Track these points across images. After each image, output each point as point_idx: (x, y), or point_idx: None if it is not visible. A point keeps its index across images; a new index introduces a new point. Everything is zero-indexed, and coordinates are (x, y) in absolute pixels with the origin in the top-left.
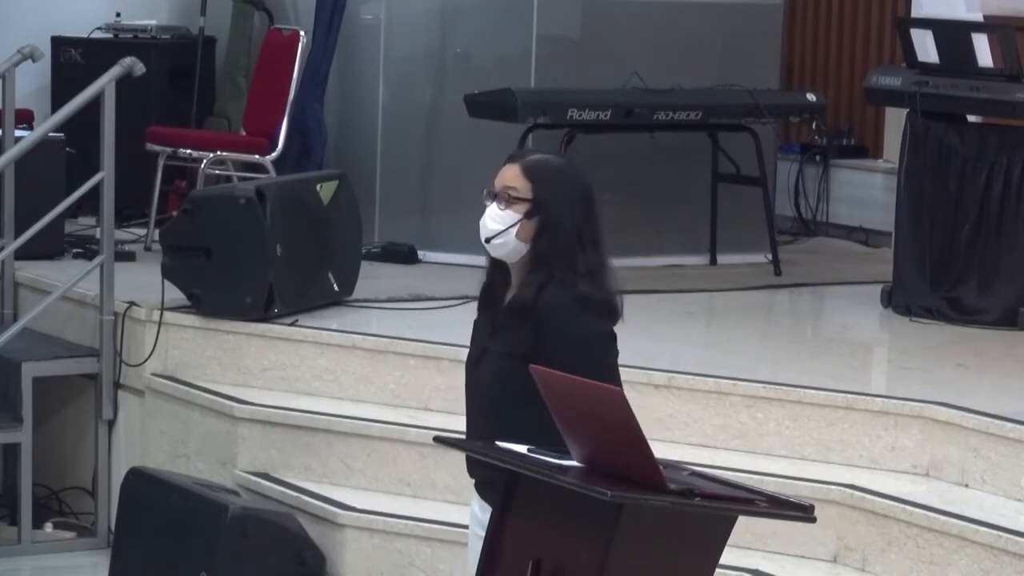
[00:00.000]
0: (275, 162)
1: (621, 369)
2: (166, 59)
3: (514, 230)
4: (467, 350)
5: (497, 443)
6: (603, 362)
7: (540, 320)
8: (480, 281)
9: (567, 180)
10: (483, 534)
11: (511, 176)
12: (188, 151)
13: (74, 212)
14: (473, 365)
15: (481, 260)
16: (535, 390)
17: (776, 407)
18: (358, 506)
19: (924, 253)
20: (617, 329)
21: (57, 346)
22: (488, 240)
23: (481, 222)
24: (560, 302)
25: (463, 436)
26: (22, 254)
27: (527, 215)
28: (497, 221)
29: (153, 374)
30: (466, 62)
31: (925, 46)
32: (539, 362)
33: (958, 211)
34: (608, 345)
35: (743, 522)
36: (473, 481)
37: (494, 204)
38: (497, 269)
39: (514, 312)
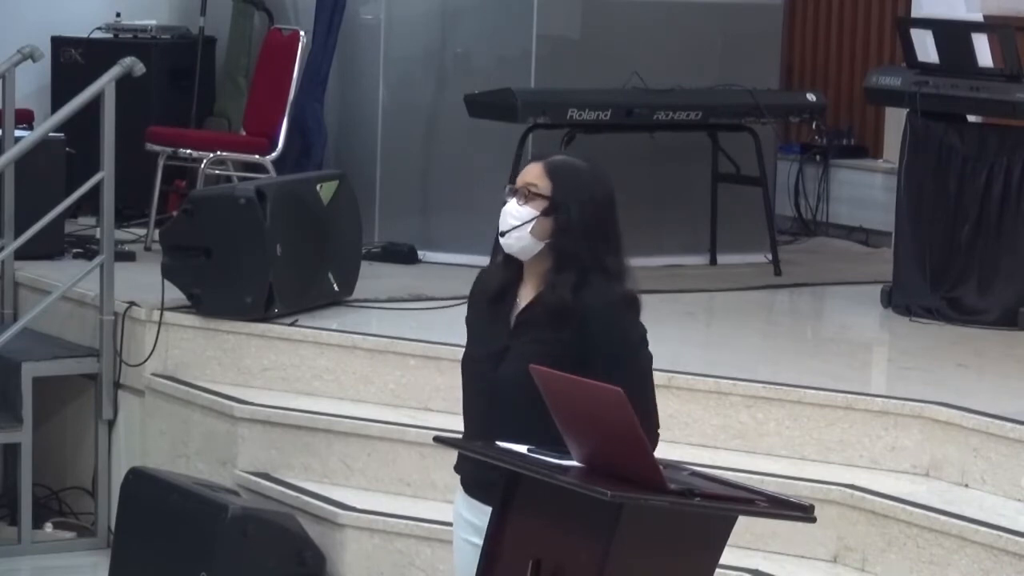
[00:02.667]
0: (275, 162)
1: None
2: (166, 59)
3: (529, 226)
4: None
5: (497, 443)
6: (647, 361)
7: (586, 321)
8: (483, 276)
9: (588, 182)
10: (468, 535)
11: (534, 174)
12: (188, 151)
13: (74, 212)
14: (490, 363)
15: (481, 260)
16: None
17: (776, 407)
18: (358, 506)
19: (924, 253)
20: None
21: (57, 346)
22: (504, 233)
23: (501, 214)
24: (607, 303)
25: (463, 436)
26: (22, 254)
27: (544, 212)
28: (515, 216)
29: (153, 374)
30: (466, 62)
31: (925, 46)
32: (582, 361)
33: (958, 211)
34: (646, 346)
35: (743, 522)
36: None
37: (514, 199)
38: (509, 266)
39: (551, 312)
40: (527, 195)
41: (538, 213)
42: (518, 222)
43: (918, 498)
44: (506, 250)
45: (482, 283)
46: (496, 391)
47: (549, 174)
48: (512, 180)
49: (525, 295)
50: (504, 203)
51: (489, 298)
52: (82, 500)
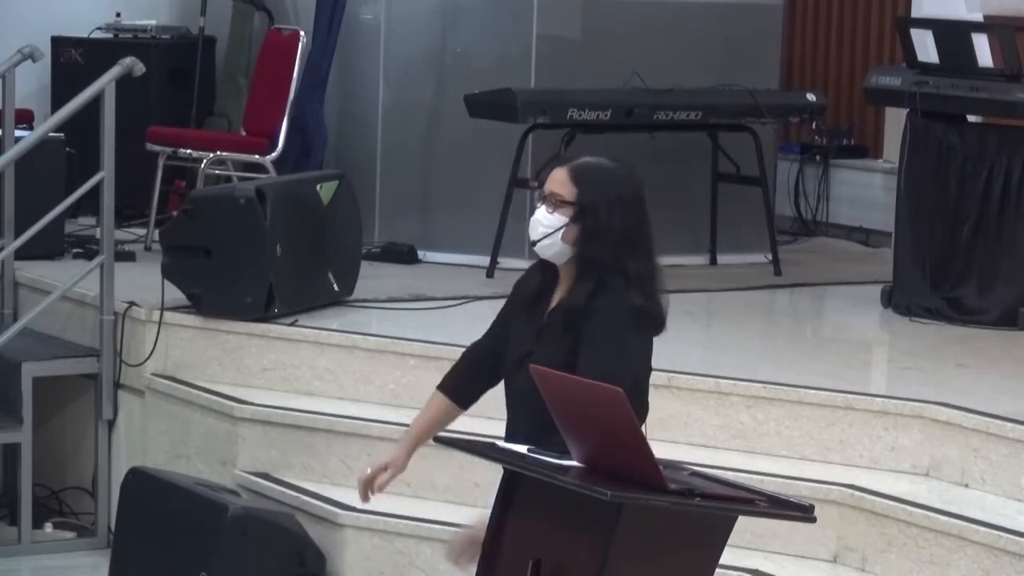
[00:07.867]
0: (275, 162)
1: None
2: (166, 59)
3: (560, 233)
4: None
5: (497, 443)
6: (629, 358)
7: (587, 324)
8: (528, 278)
9: (614, 183)
10: None
11: (558, 180)
12: (188, 151)
13: (74, 212)
14: (515, 367)
15: (481, 260)
16: None
17: (776, 407)
18: (358, 506)
19: (924, 253)
20: None
21: (57, 346)
22: (535, 242)
23: (530, 223)
24: (613, 311)
25: (463, 436)
26: (22, 254)
27: (572, 219)
28: (545, 224)
29: (153, 374)
30: (466, 62)
31: (925, 46)
32: (575, 365)
33: (958, 211)
34: (634, 357)
35: (743, 522)
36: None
37: (543, 207)
38: (546, 269)
39: (563, 317)
40: (555, 202)
41: (567, 220)
42: (549, 230)
43: (918, 498)
44: (540, 255)
45: (524, 281)
46: (518, 395)
47: (573, 179)
48: (537, 178)
49: (557, 299)
50: (535, 208)
51: (526, 301)
52: (82, 500)
